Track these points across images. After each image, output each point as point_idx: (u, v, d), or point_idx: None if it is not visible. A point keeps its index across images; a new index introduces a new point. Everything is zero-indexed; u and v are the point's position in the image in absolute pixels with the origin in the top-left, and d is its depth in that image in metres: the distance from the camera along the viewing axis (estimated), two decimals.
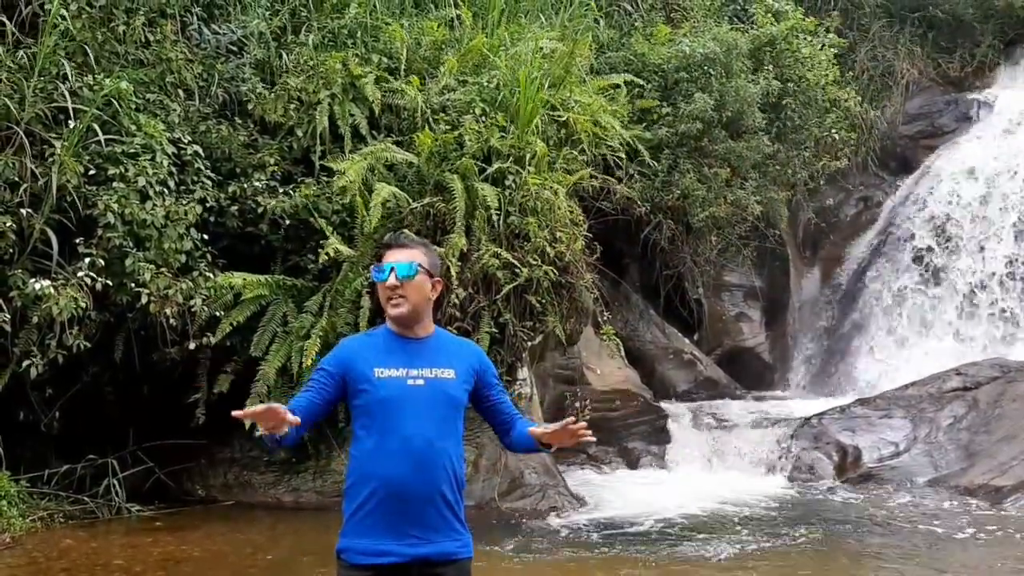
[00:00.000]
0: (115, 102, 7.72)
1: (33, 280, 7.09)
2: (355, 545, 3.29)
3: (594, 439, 3.42)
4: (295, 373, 7.93)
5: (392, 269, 3.38)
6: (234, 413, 3.17)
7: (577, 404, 10.26)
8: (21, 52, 7.56)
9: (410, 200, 8.30)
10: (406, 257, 3.41)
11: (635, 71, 11.45)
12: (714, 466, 10.14)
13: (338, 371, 3.37)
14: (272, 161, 8.47)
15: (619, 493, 9.17)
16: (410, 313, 3.40)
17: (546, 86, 9.25)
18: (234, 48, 9.07)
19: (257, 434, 3.11)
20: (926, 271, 13.16)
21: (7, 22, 7.60)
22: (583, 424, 3.31)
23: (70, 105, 7.46)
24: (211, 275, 7.88)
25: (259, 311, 8.15)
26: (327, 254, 7.91)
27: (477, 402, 3.52)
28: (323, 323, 7.93)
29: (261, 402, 7.73)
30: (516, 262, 8.24)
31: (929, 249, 13.26)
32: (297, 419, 3.16)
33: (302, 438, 3.27)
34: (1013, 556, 7.28)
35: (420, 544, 3.28)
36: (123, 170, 7.49)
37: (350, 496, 3.35)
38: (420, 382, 3.34)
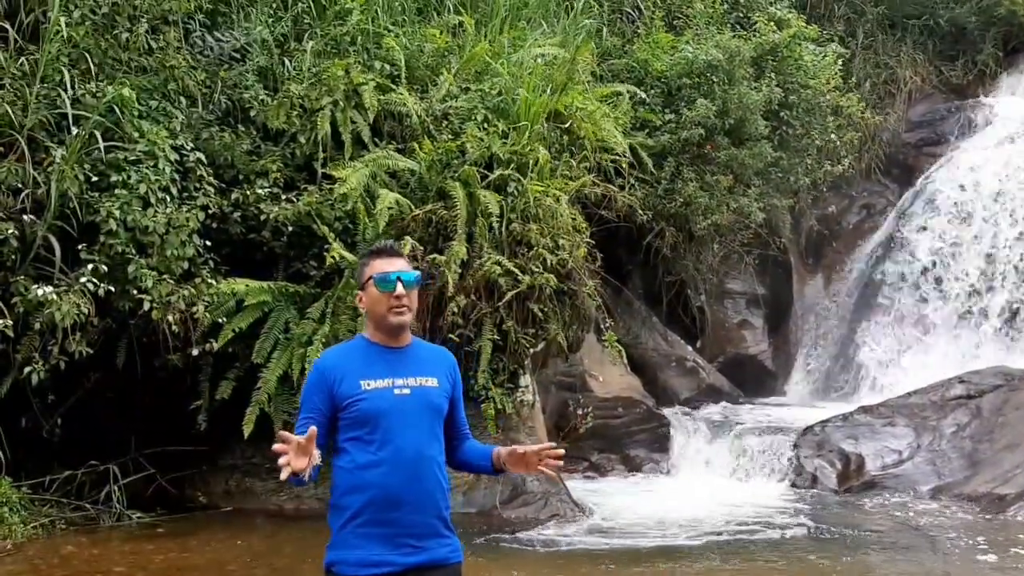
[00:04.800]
0: (118, 109, 7.73)
1: (35, 286, 7.08)
2: (348, 557, 3.28)
3: (558, 466, 3.46)
4: (296, 380, 7.92)
5: (399, 278, 3.38)
6: (276, 447, 3.11)
7: (579, 411, 10.26)
8: (23, 59, 7.57)
9: (412, 207, 8.31)
10: (407, 266, 3.45)
11: (638, 78, 11.47)
12: (716, 474, 10.11)
13: (325, 396, 3.35)
14: (275, 168, 8.47)
15: (621, 501, 9.15)
16: (408, 322, 3.43)
17: (548, 93, 9.26)
18: (237, 55, 9.08)
19: (283, 477, 3.10)
20: (929, 279, 13.14)
21: (10, 29, 7.62)
22: (560, 451, 3.39)
23: (69, 111, 7.45)
24: (213, 281, 7.87)
25: (261, 318, 8.14)
26: (333, 257, 7.91)
27: None
28: (325, 329, 7.92)
29: (262, 409, 7.84)
30: (518, 269, 8.23)
31: (932, 257, 13.24)
32: (317, 452, 3.18)
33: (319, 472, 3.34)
34: (1018, 565, 7.25)
35: (414, 553, 3.29)
36: (126, 177, 7.49)
37: (340, 508, 3.33)
38: (406, 391, 3.35)
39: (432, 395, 3.39)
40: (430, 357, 3.51)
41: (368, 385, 3.32)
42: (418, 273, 3.45)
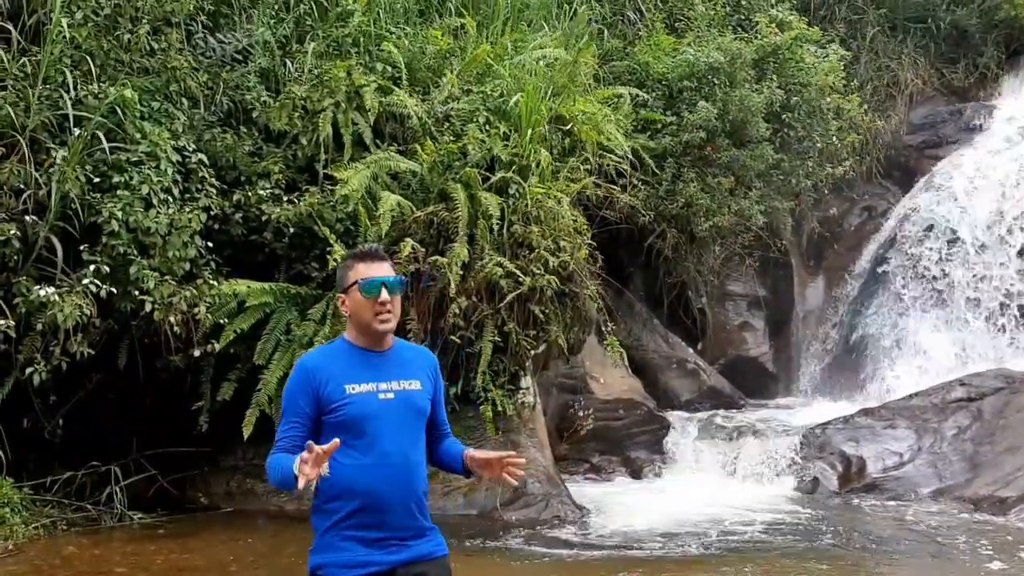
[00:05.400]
0: (120, 110, 7.74)
1: (37, 287, 7.10)
2: (336, 559, 3.31)
3: (522, 475, 3.48)
4: None
5: (383, 284, 3.37)
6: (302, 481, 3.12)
7: (580, 413, 10.26)
8: (25, 60, 7.58)
9: (413, 209, 8.32)
10: (391, 271, 3.43)
11: (639, 81, 11.47)
12: (718, 476, 10.11)
13: (311, 399, 3.36)
14: (276, 169, 8.48)
15: (622, 503, 9.15)
16: (394, 328, 3.43)
17: (550, 95, 9.27)
18: (239, 57, 9.10)
19: (300, 486, 3.15)
20: (930, 281, 13.14)
21: (12, 30, 7.63)
22: (521, 460, 3.44)
23: (70, 112, 7.45)
24: (215, 283, 7.89)
25: (263, 319, 8.15)
26: (335, 260, 7.92)
27: None
28: (325, 331, 7.93)
29: (261, 411, 7.85)
30: (519, 271, 8.24)
31: (934, 259, 13.23)
32: (325, 466, 3.17)
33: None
34: (1019, 568, 7.25)
35: (399, 551, 3.33)
36: (128, 178, 7.50)
37: (326, 512, 3.35)
38: (390, 395, 3.37)
39: (416, 398, 3.42)
40: (412, 359, 3.52)
41: (353, 390, 3.33)
42: (402, 277, 3.46)
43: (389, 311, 3.37)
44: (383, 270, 3.40)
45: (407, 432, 3.38)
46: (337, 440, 3.17)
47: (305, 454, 3.09)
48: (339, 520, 3.31)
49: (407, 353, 3.54)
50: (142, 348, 7.97)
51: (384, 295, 3.36)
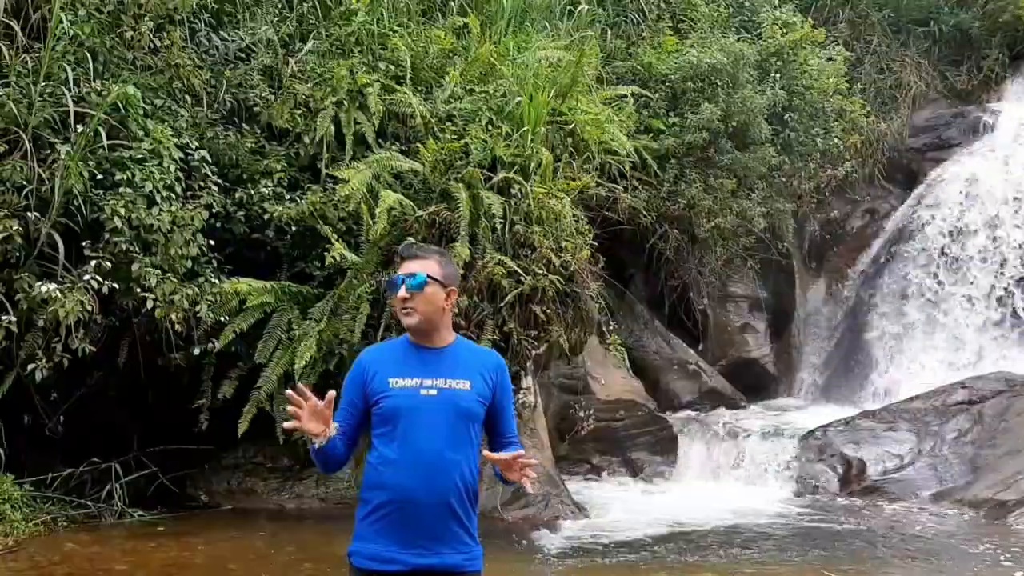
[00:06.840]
0: (122, 107, 7.73)
1: (39, 283, 7.08)
2: (363, 549, 3.34)
3: (535, 476, 3.44)
4: (297, 379, 7.92)
5: (403, 281, 3.42)
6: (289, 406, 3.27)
7: (581, 414, 10.26)
8: (27, 56, 7.57)
9: (416, 208, 8.31)
10: (417, 268, 3.46)
11: (642, 81, 11.47)
12: (718, 478, 10.11)
13: (359, 391, 3.42)
14: (279, 168, 8.48)
15: (622, 504, 9.15)
16: (420, 323, 3.43)
17: (552, 95, 9.26)
18: (242, 55, 9.09)
19: (287, 426, 3.33)
20: (932, 283, 13.13)
21: (15, 26, 7.63)
22: (532, 461, 3.40)
23: (71, 109, 7.44)
24: (217, 281, 7.88)
25: (264, 317, 8.15)
26: (333, 258, 7.92)
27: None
28: (322, 327, 7.92)
29: (259, 408, 7.85)
30: (521, 271, 8.24)
31: (935, 262, 13.23)
32: (335, 425, 3.31)
33: (348, 456, 3.45)
34: (1019, 571, 7.24)
35: (426, 555, 3.31)
36: (130, 175, 7.49)
37: (363, 502, 3.39)
38: (433, 392, 3.36)
39: (462, 398, 3.37)
40: (469, 359, 3.48)
41: (396, 383, 3.36)
42: (424, 275, 3.42)
43: (411, 306, 3.41)
44: (414, 267, 3.46)
45: (446, 431, 3.32)
46: (332, 392, 3.26)
47: (294, 395, 3.23)
48: (372, 510, 3.33)
49: (465, 353, 3.51)
50: (143, 345, 7.96)
51: (402, 292, 3.41)
